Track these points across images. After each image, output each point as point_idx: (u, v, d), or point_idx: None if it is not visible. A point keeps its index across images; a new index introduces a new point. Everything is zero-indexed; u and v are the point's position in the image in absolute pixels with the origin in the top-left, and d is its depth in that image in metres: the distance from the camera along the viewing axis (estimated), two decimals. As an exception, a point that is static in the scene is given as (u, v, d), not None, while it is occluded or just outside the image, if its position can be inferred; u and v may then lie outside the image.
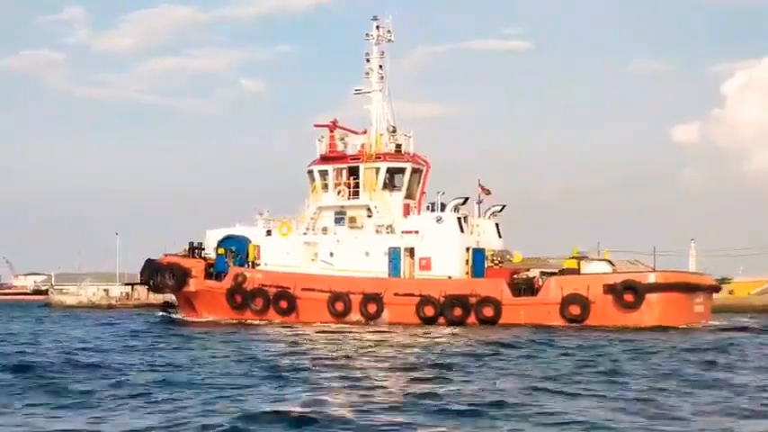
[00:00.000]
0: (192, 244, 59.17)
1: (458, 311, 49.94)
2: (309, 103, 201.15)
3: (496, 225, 56.14)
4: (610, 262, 53.37)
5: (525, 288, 50.46)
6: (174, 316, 60.10)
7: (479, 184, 55.99)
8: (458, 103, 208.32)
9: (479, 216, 55.70)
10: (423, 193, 56.33)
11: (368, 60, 56.67)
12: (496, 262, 53.37)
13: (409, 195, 55.75)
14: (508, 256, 54.77)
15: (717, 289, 54.76)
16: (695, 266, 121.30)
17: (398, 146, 55.95)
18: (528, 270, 53.05)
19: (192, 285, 56.35)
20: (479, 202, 56.77)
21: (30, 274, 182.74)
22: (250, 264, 56.51)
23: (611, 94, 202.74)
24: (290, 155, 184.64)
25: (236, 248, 57.39)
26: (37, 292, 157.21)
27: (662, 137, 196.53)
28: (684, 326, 47.31)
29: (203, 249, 59.21)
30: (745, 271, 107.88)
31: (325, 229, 55.45)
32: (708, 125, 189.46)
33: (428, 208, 54.34)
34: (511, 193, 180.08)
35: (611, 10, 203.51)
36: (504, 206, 56.75)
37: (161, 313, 61.53)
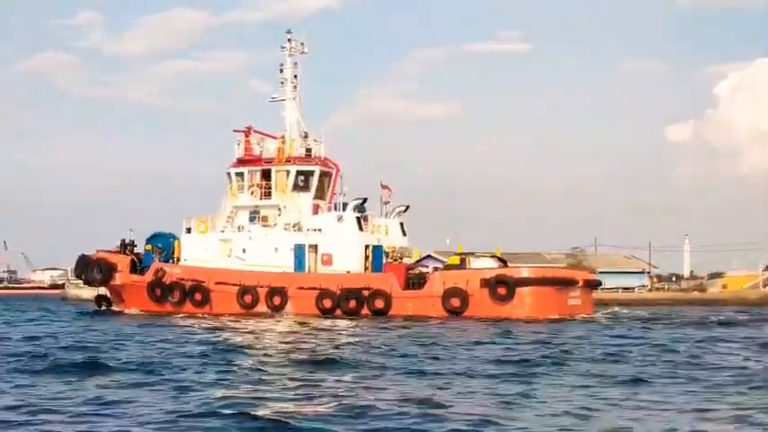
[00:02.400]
0: (123, 241, 63.49)
1: (352, 303, 54.15)
2: (318, 103, 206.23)
3: (401, 224, 60.46)
4: (501, 259, 57.66)
5: (417, 282, 54.65)
6: (105, 309, 64.14)
7: (381, 184, 60.35)
8: (458, 104, 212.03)
9: (384, 216, 60.07)
10: (333, 194, 60.54)
11: (281, 71, 60.99)
12: (395, 258, 57.61)
13: (320, 196, 59.98)
14: (407, 253, 59.04)
15: (596, 284, 58.91)
16: (689, 262, 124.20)
17: (308, 150, 60.24)
18: (426, 266, 57.41)
19: (118, 279, 60.79)
20: (386, 203, 61.17)
21: (47, 269, 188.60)
22: (175, 260, 60.88)
23: (606, 94, 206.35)
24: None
25: (163, 245, 61.82)
26: (54, 286, 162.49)
27: (656, 136, 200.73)
28: (558, 317, 51.38)
29: (135, 246, 63.63)
30: (737, 265, 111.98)
31: (240, 228, 59.75)
32: (701, 125, 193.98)
33: (329, 208, 58.56)
34: (510, 191, 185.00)
35: (607, 12, 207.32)
36: (407, 207, 61.06)
37: (95, 307, 65.59)
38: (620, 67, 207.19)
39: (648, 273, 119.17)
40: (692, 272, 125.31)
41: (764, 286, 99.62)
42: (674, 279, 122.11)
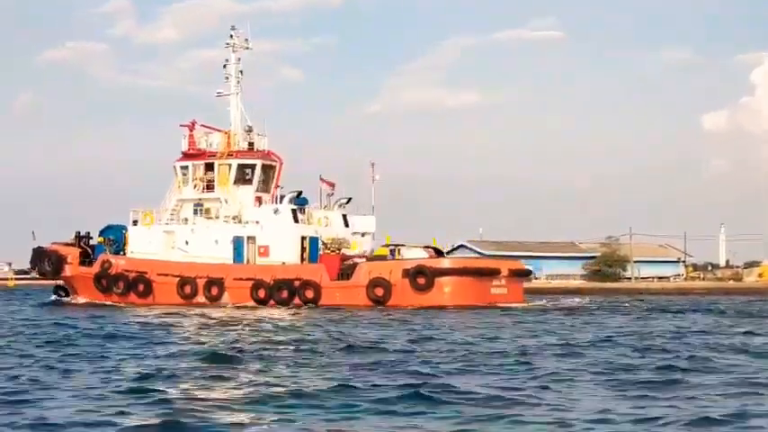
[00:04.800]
0: (78, 233, 65.23)
1: (284, 294, 55.45)
2: (347, 91, 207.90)
3: (343, 216, 61.63)
4: (437, 250, 58.70)
5: (348, 273, 55.79)
6: (63, 299, 65.93)
7: (321, 179, 61.53)
8: (489, 93, 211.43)
9: (326, 208, 61.31)
10: (277, 186, 61.76)
11: (225, 66, 62.36)
12: (332, 249, 58.79)
13: (264, 189, 61.26)
14: (346, 244, 60.16)
15: (525, 273, 59.81)
16: (725, 251, 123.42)
17: (251, 144, 61.55)
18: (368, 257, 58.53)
19: (68, 271, 62.57)
20: (330, 195, 62.39)
21: None
22: (126, 251, 62.50)
23: (640, 82, 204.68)
24: (331, 140, 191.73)
25: (115, 237, 63.47)
26: None
27: (692, 124, 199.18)
28: (481, 305, 52.32)
29: (91, 238, 65.35)
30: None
31: (185, 220, 61.22)
32: (737, 112, 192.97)
33: (272, 201, 59.83)
34: (540, 181, 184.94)
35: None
36: (350, 199, 62.29)
37: (53, 296, 67.30)
38: (653, 55, 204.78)
39: (684, 262, 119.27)
40: (727, 261, 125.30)
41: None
42: (709, 268, 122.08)
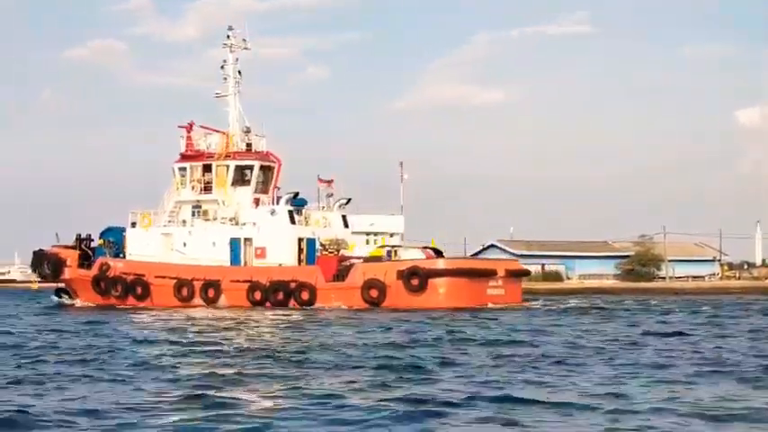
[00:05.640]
0: (79, 236, 65.05)
1: (280, 295, 54.98)
2: (374, 87, 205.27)
3: (343, 216, 61.09)
4: (437, 250, 57.97)
5: (344, 274, 55.19)
6: (66, 301, 65.72)
7: (319, 178, 61.01)
8: (520, 89, 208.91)
9: (325, 208, 60.78)
10: (276, 187, 61.28)
11: (222, 67, 61.96)
12: (330, 250, 58.19)
13: (263, 190, 60.79)
14: (344, 245, 59.52)
15: (522, 273, 58.95)
16: (761, 249, 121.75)
17: (249, 145, 61.08)
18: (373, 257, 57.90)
19: (67, 274, 62.44)
20: (329, 195, 61.90)
21: None
22: (125, 254, 62.25)
23: (674, 78, 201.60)
24: (356, 139, 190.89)
25: (115, 239, 63.25)
26: None
27: (727, 120, 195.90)
28: (476, 306, 51.63)
29: (92, 240, 65.16)
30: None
31: (184, 222, 60.88)
32: None
33: (271, 202, 59.33)
34: (571, 179, 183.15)
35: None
36: (349, 199, 61.81)
37: (55, 298, 67.11)
38: (687, 49, 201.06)
39: (719, 260, 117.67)
40: (764, 260, 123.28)
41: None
42: (745, 267, 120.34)
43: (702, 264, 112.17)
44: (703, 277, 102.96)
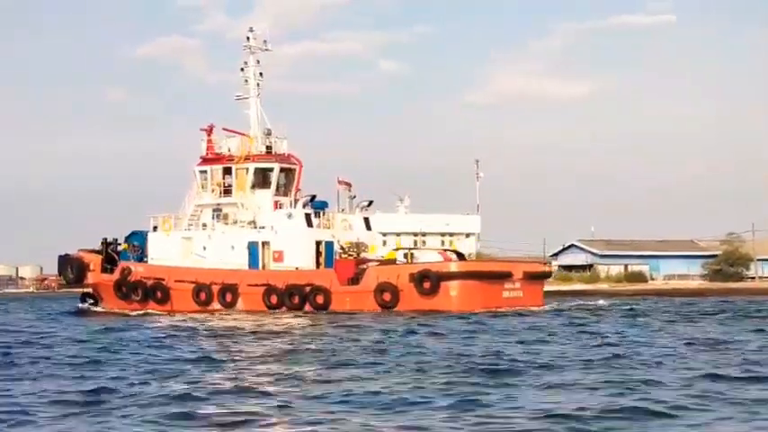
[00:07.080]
0: (105, 240, 64.92)
1: (296, 299, 54.15)
2: (451, 80, 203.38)
3: (365, 219, 60.14)
4: (458, 253, 56.67)
5: (359, 278, 54.17)
6: (90, 306, 65.51)
7: (339, 180, 60.10)
8: (600, 81, 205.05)
9: (346, 211, 59.89)
10: (297, 190, 60.52)
11: (243, 69, 61.38)
12: (350, 254, 57.22)
13: (284, 193, 60.05)
14: (363, 248, 58.52)
15: (542, 275, 57.33)
16: None
17: (269, 147, 60.38)
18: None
19: (90, 278, 62.29)
20: (352, 197, 60.98)
21: None
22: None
23: (758, 67, 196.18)
24: (442, 132, 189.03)
25: (139, 243, 63.02)
26: None
27: None
28: (493, 309, 50.27)
29: (119, 244, 64.99)
30: None
31: (204, 225, 60.42)
32: None
33: (282, 205, 58.54)
34: (654, 175, 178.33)
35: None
36: (371, 201, 60.98)
37: (79, 304, 67.07)
38: None
39: None
40: None
41: None
42: None
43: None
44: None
